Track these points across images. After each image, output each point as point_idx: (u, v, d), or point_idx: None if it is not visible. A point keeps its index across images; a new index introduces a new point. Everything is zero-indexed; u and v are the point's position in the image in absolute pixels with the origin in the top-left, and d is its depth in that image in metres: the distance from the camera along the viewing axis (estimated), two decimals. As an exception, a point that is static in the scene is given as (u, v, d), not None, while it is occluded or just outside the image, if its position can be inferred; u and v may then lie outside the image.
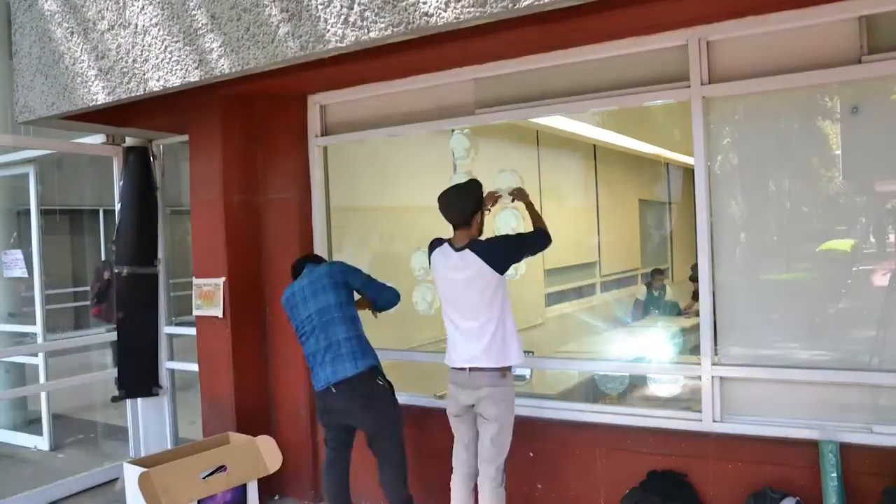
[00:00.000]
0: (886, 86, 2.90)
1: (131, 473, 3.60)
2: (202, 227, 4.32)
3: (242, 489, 3.86)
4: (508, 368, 3.07)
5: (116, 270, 4.94)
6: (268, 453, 3.92)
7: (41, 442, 5.79)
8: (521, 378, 4.24)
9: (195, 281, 4.34)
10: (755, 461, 3.03)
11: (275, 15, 3.29)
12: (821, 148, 3.13)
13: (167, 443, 5.08)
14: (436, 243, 3.25)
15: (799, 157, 3.13)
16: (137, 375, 4.97)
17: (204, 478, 3.66)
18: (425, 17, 2.85)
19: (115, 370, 5.00)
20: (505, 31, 2.97)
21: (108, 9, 3.90)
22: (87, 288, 6.13)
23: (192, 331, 4.46)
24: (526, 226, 3.45)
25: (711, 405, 3.16)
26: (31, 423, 6.17)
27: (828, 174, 3.13)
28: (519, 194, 3.42)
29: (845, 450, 2.84)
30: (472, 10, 2.75)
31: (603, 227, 7.24)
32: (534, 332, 6.12)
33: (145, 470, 3.51)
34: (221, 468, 3.74)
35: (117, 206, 5.00)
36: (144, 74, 3.78)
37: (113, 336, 5.03)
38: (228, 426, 4.18)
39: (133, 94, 3.85)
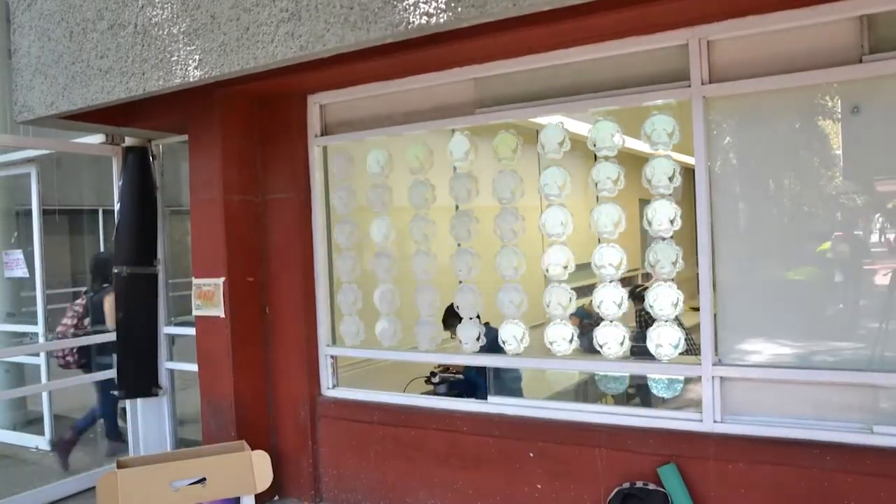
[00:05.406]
0: (887, 85, 2.89)
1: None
2: (202, 227, 4.31)
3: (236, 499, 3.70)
4: None
5: (116, 270, 4.93)
6: (259, 470, 3.71)
7: (43, 442, 5.80)
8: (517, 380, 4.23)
9: (195, 281, 4.33)
10: (756, 462, 3.03)
11: (275, 15, 3.29)
12: (821, 148, 3.13)
13: (167, 443, 5.08)
14: None
15: (799, 156, 3.12)
16: (137, 376, 4.96)
17: (177, 488, 3.48)
18: (425, 17, 2.85)
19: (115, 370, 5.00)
20: (505, 31, 2.97)
21: (107, 8, 3.90)
22: (86, 288, 6.13)
23: (192, 331, 4.45)
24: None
25: (712, 406, 3.16)
26: (30, 424, 6.17)
27: (828, 174, 3.12)
28: None
29: (845, 450, 2.84)
30: (471, 10, 2.75)
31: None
32: (534, 333, 6.10)
33: (112, 471, 3.45)
34: (201, 480, 3.57)
35: (117, 206, 5.00)
36: (144, 74, 3.78)
37: (113, 336, 5.03)
38: (228, 426, 4.18)
39: (133, 94, 3.84)
